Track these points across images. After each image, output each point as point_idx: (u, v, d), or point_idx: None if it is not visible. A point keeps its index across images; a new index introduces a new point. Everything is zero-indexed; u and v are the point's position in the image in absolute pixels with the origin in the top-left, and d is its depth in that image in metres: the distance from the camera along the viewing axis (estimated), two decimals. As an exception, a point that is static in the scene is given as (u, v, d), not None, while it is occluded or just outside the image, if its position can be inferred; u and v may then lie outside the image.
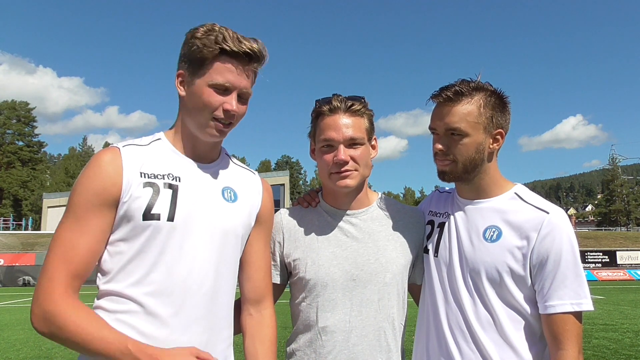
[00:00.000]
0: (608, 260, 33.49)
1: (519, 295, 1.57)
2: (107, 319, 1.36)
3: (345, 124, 1.65)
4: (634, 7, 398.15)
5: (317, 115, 1.70)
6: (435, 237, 1.73)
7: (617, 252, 34.35)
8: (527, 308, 1.57)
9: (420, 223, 1.80)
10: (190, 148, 1.53)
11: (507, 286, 1.56)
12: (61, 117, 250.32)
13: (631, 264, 33.60)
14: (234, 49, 1.42)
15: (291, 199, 53.92)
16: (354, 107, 1.66)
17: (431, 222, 1.78)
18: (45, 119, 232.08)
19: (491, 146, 1.62)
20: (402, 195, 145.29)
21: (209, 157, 1.56)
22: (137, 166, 1.42)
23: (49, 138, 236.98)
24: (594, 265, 32.78)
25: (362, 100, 1.71)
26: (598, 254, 33.77)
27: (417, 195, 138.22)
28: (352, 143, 1.65)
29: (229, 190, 1.55)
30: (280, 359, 1.61)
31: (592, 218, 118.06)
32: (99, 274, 1.43)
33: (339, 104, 1.66)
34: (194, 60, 1.43)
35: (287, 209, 1.81)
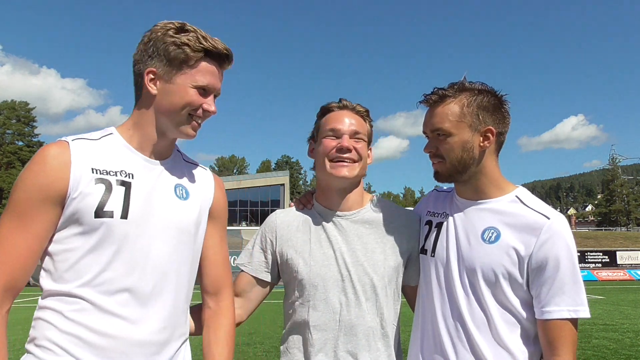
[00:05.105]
0: (608, 260, 33.47)
1: (513, 298, 1.57)
2: (56, 319, 1.34)
3: (351, 120, 1.77)
4: (636, 7, 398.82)
5: (324, 112, 1.80)
6: (432, 237, 1.74)
7: (617, 252, 34.33)
8: (522, 311, 1.58)
9: (413, 225, 1.82)
10: (148, 145, 1.50)
11: (502, 288, 1.56)
12: (63, 118, 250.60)
13: (631, 264, 33.57)
14: (216, 51, 1.45)
15: (291, 199, 53.78)
16: (359, 108, 1.80)
17: (429, 223, 1.78)
18: (47, 120, 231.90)
19: (481, 144, 1.63)
20: (402, 195, 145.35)
21: (163, 155, 1.54)
22: (88, 161, 1.38)
23: (50, 138, 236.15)
24: (594, 265, 32.76)
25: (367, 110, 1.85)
26: (598, 254, 33.75)
27: (417, 195, 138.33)
28: (356, 137, 1.75)
29: (180, 188, 1.55)
30: (276, 359, 1.62)
31: (592, 218, 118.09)
32: (42, 273, 1.38)
33: (347, 103, 1.79)
34: (174, 59, 1.43)
35: (281, 210, 1.86)
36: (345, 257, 1.69)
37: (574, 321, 1.53)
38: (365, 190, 1.86)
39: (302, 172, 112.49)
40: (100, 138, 1.47)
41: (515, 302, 1.57)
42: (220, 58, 1.48)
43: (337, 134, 1.73)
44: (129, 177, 1.43)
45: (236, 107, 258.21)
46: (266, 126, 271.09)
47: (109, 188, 1.38)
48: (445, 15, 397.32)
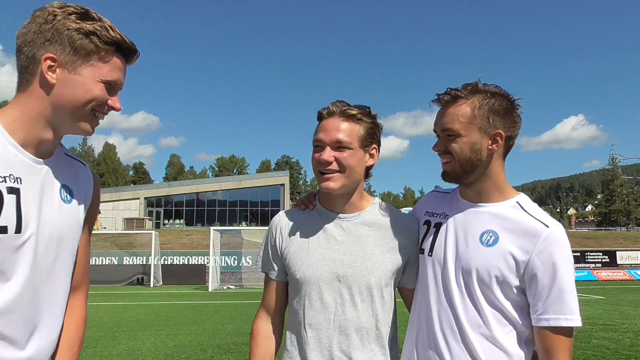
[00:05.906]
0: (608, 260, 33.40)
1: (506, 301, 1.59)
2: None
3: (336, 127, 1.70)
4: (636, 6, 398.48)
5: (317, 119, 1.78)
6: (430, 237, 1.75)
7: (617, 252, 34.26)
8: (515, 314, 1.59)
9: (413, 230, 1.83)
10: (34, 142, 1.31)
11: (496, 290, 1.58)
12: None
13: (631, 264, 33.52)
14: (127, 45, 1.35)
15: (291, 199, 53.98)
16: (348, 111, 1.71)
17: (427, 223, 1.80)
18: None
19: (490, 147, 1.63)
20: (402, 195, 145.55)
21: (48, 152, 1.37)
22: None
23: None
24: (594, 265, 32.71)
25: (365, 108, 1.76)
26: (598, 254, 33.69)
27: (417, 195, 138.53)
28: (338, 146, 1.70)
29: (65, 190, 1.41)
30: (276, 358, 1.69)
31: (592, 218, 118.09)
32: None
33: (334, 109, 1.72)
34: (80, 49, 1.28)
35: (285, 211, 1.88)
36: (343, 257, 1.71)
37: (570, 329, 1.55)
38: (365, 190, 1.86)
39: (302, 172, 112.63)
40: None
41: (508, 305, 1.59)
42: (129, 53, 1.38)
43: (321, 145, 1.71)
44: (17, 182, 1.25)
45: (236, 107, 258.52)
46: (266, 126, 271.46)
47: None
48: (445, 15, 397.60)
